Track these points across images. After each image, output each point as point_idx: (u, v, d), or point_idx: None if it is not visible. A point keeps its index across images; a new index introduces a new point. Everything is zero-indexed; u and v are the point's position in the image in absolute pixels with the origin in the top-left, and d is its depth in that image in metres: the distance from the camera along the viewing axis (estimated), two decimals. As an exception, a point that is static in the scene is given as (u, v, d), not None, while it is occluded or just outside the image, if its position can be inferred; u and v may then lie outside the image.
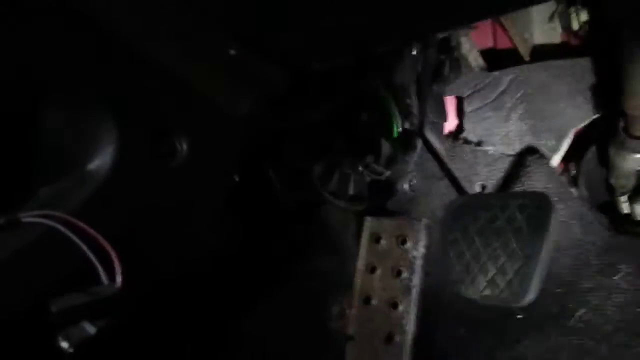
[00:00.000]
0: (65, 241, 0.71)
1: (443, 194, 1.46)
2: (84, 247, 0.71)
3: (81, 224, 0.71)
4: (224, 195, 1.02)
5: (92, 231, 0.71)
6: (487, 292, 0.97)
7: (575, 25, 1.32)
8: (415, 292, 1.28)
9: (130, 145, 0.77)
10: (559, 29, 1.37)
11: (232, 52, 0.84)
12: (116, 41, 0.76)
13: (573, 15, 1.31)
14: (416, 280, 1.28)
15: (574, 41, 1.44)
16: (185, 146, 0.84)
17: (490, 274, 0.97)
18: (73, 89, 0.75)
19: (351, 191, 1.42)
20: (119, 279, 0.73)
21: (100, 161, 0.76)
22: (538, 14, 1.43)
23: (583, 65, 1.40)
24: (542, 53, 1.48)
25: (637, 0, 0.98)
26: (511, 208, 0.97)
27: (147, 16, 0.78)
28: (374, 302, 1.31)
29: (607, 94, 1.37)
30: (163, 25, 0.80)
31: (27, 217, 0.71)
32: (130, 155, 0.78)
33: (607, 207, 1.39)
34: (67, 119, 0.76)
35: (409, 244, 1.30)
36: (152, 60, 0.79)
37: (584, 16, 1.30)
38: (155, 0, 0.78)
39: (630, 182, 1.30)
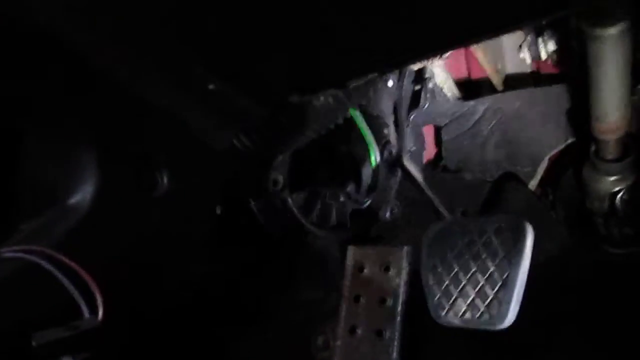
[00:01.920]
0: (47, 275, 0.71)
1: (424, 221, 1.48)
2: (66, 281, 0.71)
3: (62, 258, 0.72)
4: (207, 227, 1.03)
5: (73, 265, 0.72)
6: (467, 315, 0.98)
7: (543, 55, 1.38)
8: (399, 320, 1.28)
9: (111, 178, 0.79)
10: (529, 59, 1.42)
11: (212, 86, 0.86)
12: (98, 74, 0.78)
13: (541, 46, 1.36)
14: (400, 307, 1.28)
15: (543, 70, 1.50)
16: (166, 179, 0.86)
17: (469, 298, 0.99)
18: (54, 122, 0.77)
19: (333, 221, 1.44)
20: (100, 312, 0.74)
21: (82, 195, 0.77)
22: (509, 44, 1.48)
23: (554, 93, 1.45)
24: (514, 82, 1.53)
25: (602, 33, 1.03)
26: (488, 232, 0.99)
27: (128, 50, 0.81)
28: (359, 331, 1.31)
29: (578, 120, 1.41)
30: (144, 60, 0.82)
31: (8, 252, 0.72)
32: (111, 188, 0.79)
33: (584, 230, 1.42)
34: (49, 152, 0.77)
35: (392, 272, 1.31)
36: (133, 94, 0.81)
37: (551, 46, 1.35)
38: (136, 36, 0.80)
39: (605, 204, 1.33)
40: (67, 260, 0.72)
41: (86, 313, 0.74)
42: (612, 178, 1.27)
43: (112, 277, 0.76)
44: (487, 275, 0.98)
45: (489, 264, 0.98)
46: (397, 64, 1.04)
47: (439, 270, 1.04)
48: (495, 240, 0.98)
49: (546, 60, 1.39)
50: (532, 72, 1.53)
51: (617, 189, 1.28)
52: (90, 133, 0.77)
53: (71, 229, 0.76)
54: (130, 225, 0.83)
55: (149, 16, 0.76)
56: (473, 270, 0.99)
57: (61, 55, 0.75)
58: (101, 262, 0.76)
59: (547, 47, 1.34)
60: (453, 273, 1.02)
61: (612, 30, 1.00)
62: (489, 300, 0.96)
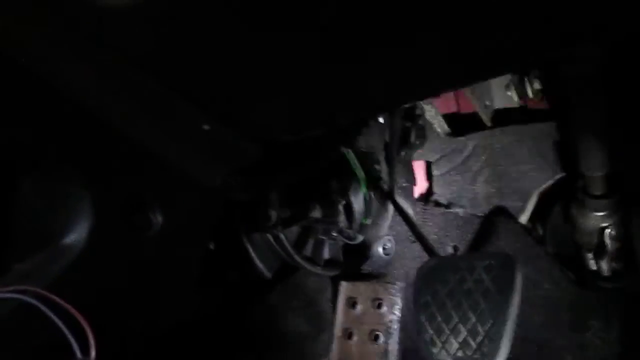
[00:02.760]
0: (40, 315, 0.71)
1: (416, 256, 1.49)
2: (58, 322, 0.71)
3: (55, 298, 0.72)
4: (199, 264, 1.03)
5: (66, 305, 0.72)
6: (459, 353, 0.99)
7: (530, 93, 1.41)
8: (392, 357, 1.28)
9: (105, 219, 0.79)
10: (516, 97, 1.45)
11: (206, 127, 0.88)
12: (92, 117, 0.79)
13: (527, 85, 1.39)
14: (393, 344, 1.28)
15: (531, 106, 1.53)
16: (160, 218, 0.87)
17: (462, 336, 0.99)
18: (48, 163, 0.78)
19: (326, 256, 1.44)
20: (93, 353, 0.74)
21: (76, 235, 0.77)
22: (496, 82, 1.51)
23: (541, 129, 1.48)
24: (503, 118, 1.56)
25: (584, 74, 1.06)
26: (477, 270, 1.00)
27: (122, 93, 0.82)
28: (351, 368, 1.31)
29: (565, 156, 1.44)
30: (138, 103, 0.84)
31: (1, 293, 0.72)
32: (105, 229, 0.79)
33: (574, 264, 1.43)
34: (42, 193, 0.78)
35: (384, 308, 1.32)
36: (126, 135, 0.82)
37: (537, 85, 1.38)
38: (129, 78, 0.82)
39: (594, 239, 1.34)
40: (59, 300, 0.72)
41: (78, 353, 0.73)
42: (600, 214, 1.28)
43: (105, 316, 0.76)
44: (478, 312, 0.98)
45: (480, 301, 0.99)
46: (390, 106, 1.06)
47: (431, 307, 1.04)
48: (485, 278, 0.99)
49: (533, 98, 1.42)
50: (520, 108, 1.56)
51: (604, 224, 1.30)
52: (83, 174, 0.78)
53: (64, 269, 0.76)
54: (124, 265, 0.84)
55: (141, 58, 0.78)
56: (465, 307, 1.00)
57: (56, 100, 0.76)
58: (94, 301, 0.77)
59: (533, 86, 1.38)
60: (445, 310, 1.03)
61: (591, 70, 1.03)
62: (481, 338, 0.97)
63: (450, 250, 1.54)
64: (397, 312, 1.29)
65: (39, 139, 0.76)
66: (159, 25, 0.73)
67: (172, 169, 0.89)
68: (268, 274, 1.39)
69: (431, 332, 1.02)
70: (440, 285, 1.04)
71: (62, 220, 0.78)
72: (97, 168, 0.80)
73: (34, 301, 0.72)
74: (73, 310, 0.72)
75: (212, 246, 1.33)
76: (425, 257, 1.41)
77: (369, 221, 1.44)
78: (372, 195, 1.41)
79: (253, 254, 1.36)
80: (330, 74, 0.78)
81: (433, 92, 0.90)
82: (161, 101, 0.85)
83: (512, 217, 1.51)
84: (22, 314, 0.72)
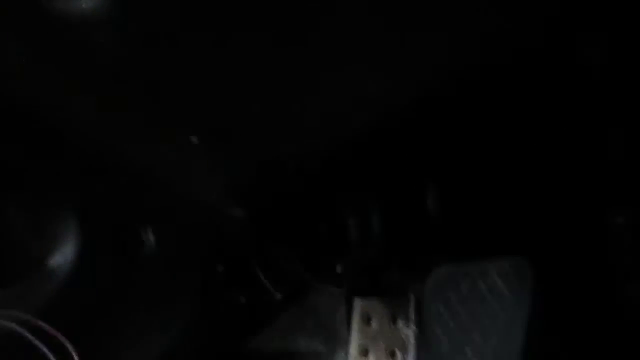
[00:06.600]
0: (26, 343, 0.69)
1: (430, 268, 1.45)
2: (44, 348, 0.69)
3: (41, 324, 0.70)
4: (200, 285, 1.00)
5: (53, 331, 0.70)
6: (474, 363, 0.94)
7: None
8: (412, 374, 1.23)
9: (93, 240, 0.77)
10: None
11: (195, 140, 0.86)
12: (76, 135, 0.78)
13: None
14: (410, 359, 1.24)
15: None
16: (152, 237, 0.84)
17: (476, 344, 0.95)
18: (33, 186, 0.76)
19: (339, 274, 1.40)
20: (81, 379, 0.71)
21: (63, 258, 0.76)
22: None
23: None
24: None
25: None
26: (490, 275, 0.96)
27: (108, 110, 0.81)
28: (369, 387, 1.26)
29: None
30: (124, 119, 0.83)
31: (-15, 320, 0.70)
32: (93, 250, 0.77)
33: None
34: (27, 216, 0.77)
35: (400, 323, 1.27)
36: (113, 151, 0.81)
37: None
38: (114, 93, 0.81)
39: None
40: (46, 326, 0.70)
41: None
42: None
43: (95, 343, 0.74)
44: (493, 318, 0.94)
45: (495, 307, 0.94)
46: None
47: (445, 316, 1.00)
48: (499, 283, 0.95)
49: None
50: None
51: None
52: (69, 194, 0.77)
53: (52, 293, 0.74)
54: (115, 288, 0.82)
55: (123, 73, 0.76)
56: (479, 313, 0.96)
57: (39, 119, 0.75)
58: (83, 327, 0.74)
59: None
60: (459, 318, 0.98)
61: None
62: (495, 343, 0.92)
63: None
64: (413, 327, 1.24)
65: (22, 159, 0.75)
66: (136, 37, 0.72)
67: (163, 186, 0.87)
68: (279, 295, 1.36)
69: (447, 342, 0.98)
70: (453, 293, 1.00)
71: (48, 243, 0.76)
72: (83, 187, 0.79)
73: (19, 328, 0.70)
74: (59, 335, 0.70)
75: (220, 269, 1.31)
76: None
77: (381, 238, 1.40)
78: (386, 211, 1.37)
79: (262, 275, 1.33)
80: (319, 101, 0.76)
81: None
82: (148, 115, 0.84)
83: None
84: (7, 341, 0.70)
